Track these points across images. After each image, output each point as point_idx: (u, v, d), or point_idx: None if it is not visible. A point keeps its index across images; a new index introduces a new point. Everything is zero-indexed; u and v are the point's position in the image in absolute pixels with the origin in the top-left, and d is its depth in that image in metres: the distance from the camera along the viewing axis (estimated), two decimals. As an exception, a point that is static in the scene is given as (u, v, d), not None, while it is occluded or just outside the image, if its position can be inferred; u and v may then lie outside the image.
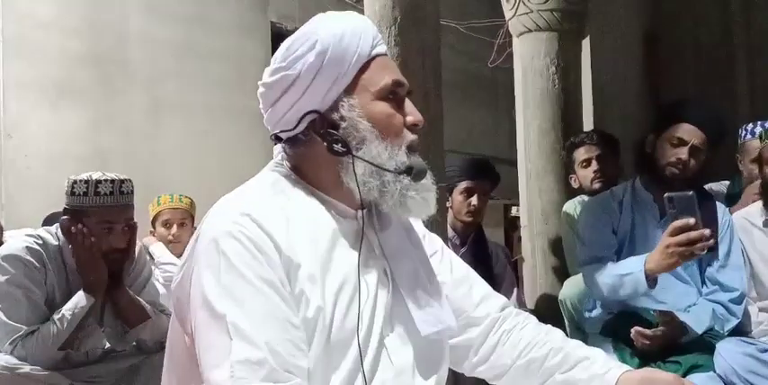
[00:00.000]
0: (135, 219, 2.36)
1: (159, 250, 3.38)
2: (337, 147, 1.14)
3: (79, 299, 2.20)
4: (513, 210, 5.17)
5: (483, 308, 1.35)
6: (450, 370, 1.31)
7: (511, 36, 4.00)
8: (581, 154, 3.19)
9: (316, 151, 1.17)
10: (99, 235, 2.23)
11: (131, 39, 4.67)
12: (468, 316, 1.34)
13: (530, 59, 3.73)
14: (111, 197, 2.23)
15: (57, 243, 2.29)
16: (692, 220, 1.95)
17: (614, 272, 2.24)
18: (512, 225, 5.54)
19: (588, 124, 4.00)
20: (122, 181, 2.27)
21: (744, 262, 2.51)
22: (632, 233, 2.41)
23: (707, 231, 1.96)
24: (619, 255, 2.39)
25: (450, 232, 3.00)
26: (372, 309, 1.16)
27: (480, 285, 1.39)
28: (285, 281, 1.08)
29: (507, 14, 3.82)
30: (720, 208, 2.45)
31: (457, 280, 1.36)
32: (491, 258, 3.07)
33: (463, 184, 2.96)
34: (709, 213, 2.34)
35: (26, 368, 2.13)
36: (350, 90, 1.17)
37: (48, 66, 4.30)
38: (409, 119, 1.20)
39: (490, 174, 3.05)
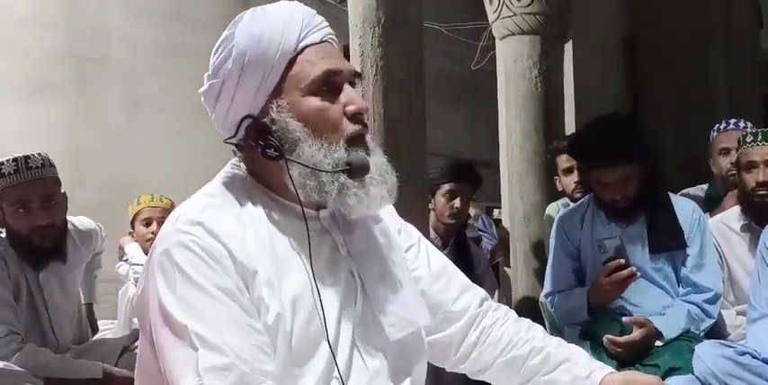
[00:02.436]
0: (63, 191, 2.31)
1: (133, 250, 3.36)
2: (270, 151, 1.09)
3: (96, 368, 2.21)
4: (495, 213, 5.17)
5: (462, 302, 1.32)
6: (431, 365, 1.29)
7: (494, 39, 4.00)
8: (563, 161, 3.18)
9: (259, 156, 1.12)
10: (15, 216, 2.19)
11: (109, 35, 4.61)
12: (447, 311, 1.30)
13: (512, 62, 3.73)
14: (16, 175, 2.19)
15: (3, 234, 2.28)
16: (622, 261, 2.25)
17: (565, 304, 2.48)
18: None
19: (570, 127, 4.02)
20: (27, 157, 2.22)
21: (721, 265, 2.52)
22: (592, 244, 2.47)
23: (633, 269, 2.25)
24: (581, 268, 2.52)
25: (433, 234, 2.99)
26: (339, 313, 1.12)
27: (458, 277, 1.35)
28: (243, 288, 1.05)
29: (491, 17, 3.82)
30: (689, 205, 2.47)
31: (434, 273, 1.31)
32: (473, 260, 3.07)
33: (446, 187, 2.96)
34: (671, 217, 2.40)
35: None
36: (278, 90, 1.10)
37: (24, 62, 4.23)
38: (349, 108, 1.11)
39: (473, 176, 3.05)
